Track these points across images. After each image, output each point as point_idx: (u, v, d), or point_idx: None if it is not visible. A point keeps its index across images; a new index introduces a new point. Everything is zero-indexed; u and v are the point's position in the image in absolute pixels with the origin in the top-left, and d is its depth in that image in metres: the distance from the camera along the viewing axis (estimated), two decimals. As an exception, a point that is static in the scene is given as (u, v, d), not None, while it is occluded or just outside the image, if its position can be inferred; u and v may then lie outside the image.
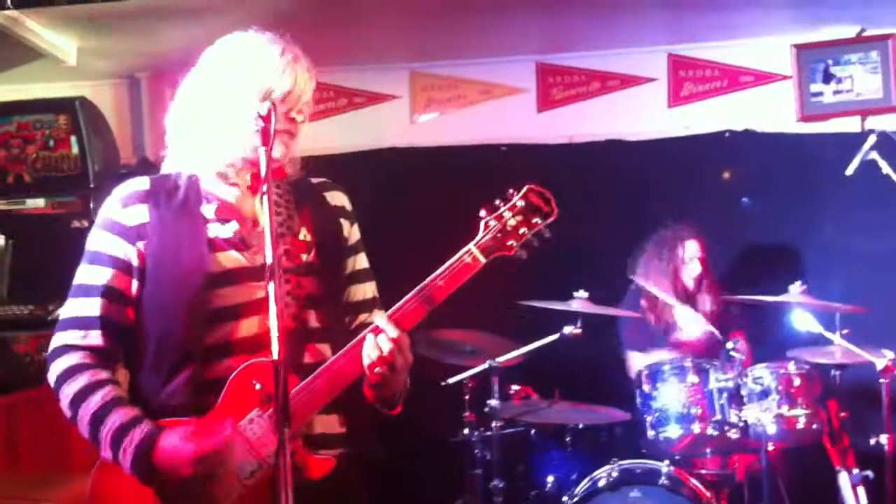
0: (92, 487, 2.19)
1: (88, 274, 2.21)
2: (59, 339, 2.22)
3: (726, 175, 5.36)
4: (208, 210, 2.23)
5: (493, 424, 4.24)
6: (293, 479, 1.96)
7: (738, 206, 5.26)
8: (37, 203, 5.09)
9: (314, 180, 2.42)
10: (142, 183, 2.27)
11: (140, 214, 2.22)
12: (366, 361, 2.10)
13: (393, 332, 2.10)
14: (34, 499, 3.84)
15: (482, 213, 2.19)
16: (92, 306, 2.19)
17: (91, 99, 5.26)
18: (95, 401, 2.13)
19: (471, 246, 2.17)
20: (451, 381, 4.37)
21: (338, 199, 2.42)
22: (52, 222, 5.04)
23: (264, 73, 2.18)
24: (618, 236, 5.18)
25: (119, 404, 2.14)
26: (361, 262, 2.43)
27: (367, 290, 2.42)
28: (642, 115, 5.51)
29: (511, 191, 2.20)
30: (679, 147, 5.37)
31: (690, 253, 4.76)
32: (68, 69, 5.24)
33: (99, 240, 2.23)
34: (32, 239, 5.06)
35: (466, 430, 4.40)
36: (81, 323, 2.20)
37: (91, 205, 4.98)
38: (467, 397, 4.41)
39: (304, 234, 2.28)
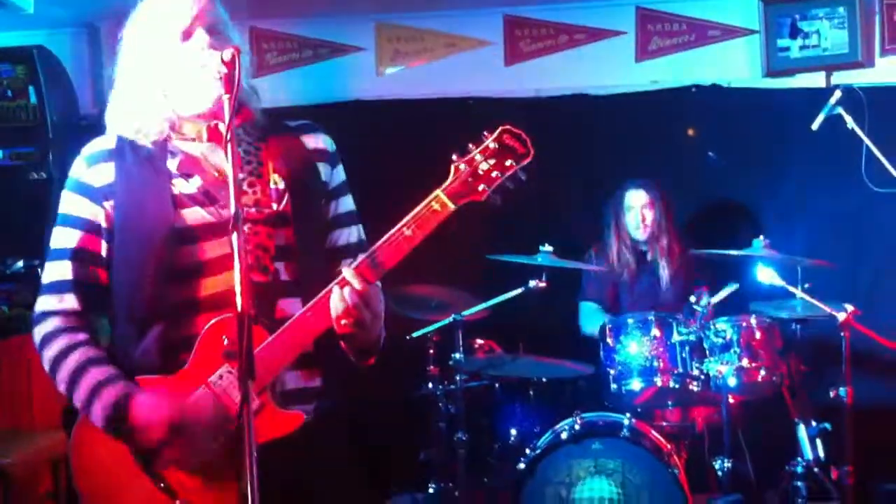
0: (73, 444, 2.21)
1: (59, 237, 2.21)
2: (39, 304, 2.23)
3: (691, 131, 5.34)
4: (173, 165, 2.20)
5: (458, 378, 4.26)
6: (262, 435, 2.00)
7: (704, 161, 5.26)
8: (-6, 154, 5.03)
9: (292, 123, 2.36)
10: (108, 141, 2.24)
11: (106, 174, 2.20)
12: (333, 314, 2.06)
13: (358, 284, 2.04)
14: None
15: (453, 157, 2.10)
16: (64, 270, 2.19)
17: (49, 48, 5.15)
18: (71, 362, 2.15)
19: (438, 192, 2.08)
20: (416, 335, 4.37)
21: (316, 141, 2.34)
22: (9, 174, 4.97)
23: (170, 12, 2.15)
24: (584, 190, 5.19)
25: (94, 364, 2.15)
26: (345, 204, 2.36)
27: (352, 233, 2.35)
28: (610, 68, 5.48)
29: (485, 133, 2.10)
30: (646, 101, 5.35)
31: (632, 202, 4.76)
32: (25, 17, 5.11)
33: (67, 202, 2.22)
34: (-11, 191, 5.00)
35: (430, 384, 4.42)
36: (56, 287, 2.20)
37: (50, 156, 4.91)
38: (431, 351, 4.43)
39: (274, 182, 2.22)
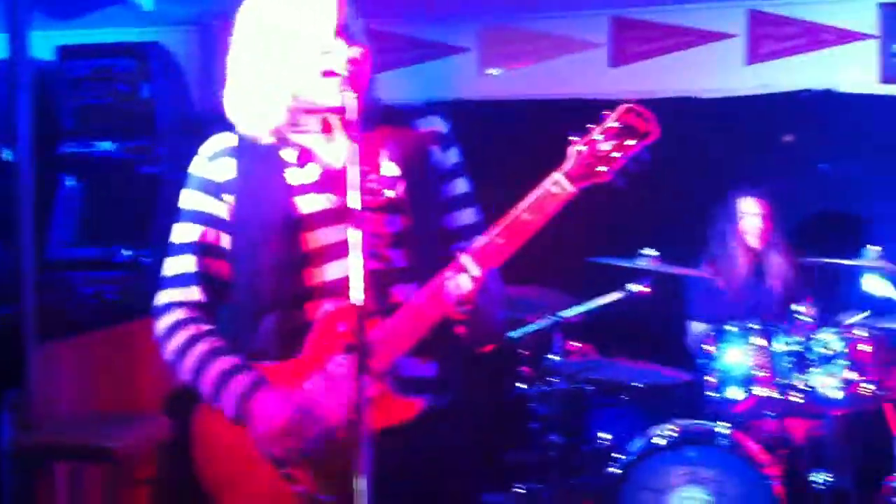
0: (196, 429, 2.25)
1: (182, 232, 2.26)
2: (162, 296, 2.27)
3: (790, 137, 5.21)
4: (290, 156, 2.22)
5: (552, 380, 4.23)
6: (379, 423, 1.97)
7: (815, 167, 5.12)
8: (107, 147, 5.19)
9: (405, 106, 2.32)
10: (227, 138, 2.27)
11: (227, 169, 2.24)
12: (449, 301, 2.04)
13: (475, 270, 2.01)
14: (103, 439, 3.93)
15: (572, 137, 2.02)
16: (187, 264, 2.24)
17: (164, 45, 5.31)
18: (197, 352, 2.19)
19: (557, 174, 2.01)
20: (513, 334, 4.35)
21: (429, 123, 2.28)
22: (121, 167, 5.13)
23: (294, 9, 2.14)
24: (689, 195, 5.10)
25: (219, 353, 2.19)
26: (459, 186, 2.30)
27: (467, 215, 2.30)
28: (719, 71, 5.38)
29: (605, 111, 2.02)
30: (756, 105, 5.24)
31: (747, 208, 4.66)
32: (142, 14, 5.28)
33: (189, 198, 2.27)
34: (102, 182, 5.17)
35: (524, 385, 4.40)
36: (180, 280, 2.25)
37: (161, 150, 5.06)
38: (525, 352, 4.40)
39: (388, 170, 2.20)
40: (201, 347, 2.19)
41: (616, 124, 2.01)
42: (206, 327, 2.22)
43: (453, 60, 5.61)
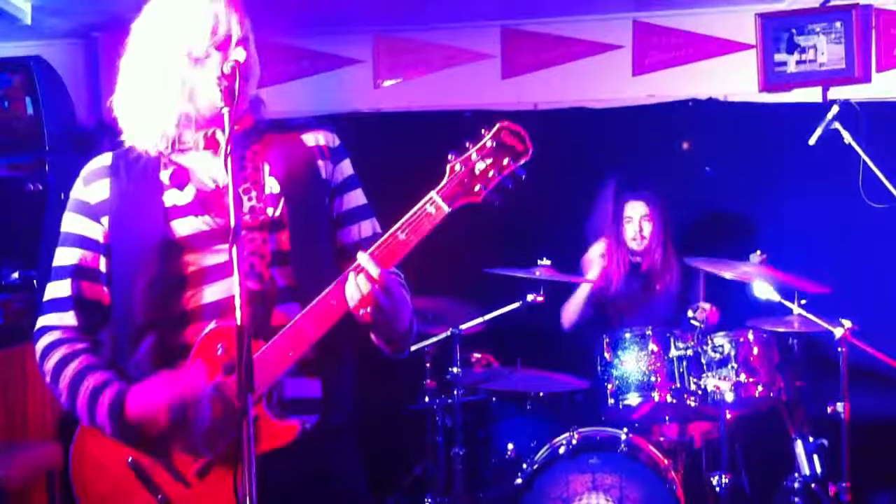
0: (73, 456, 2.20)
1: (60, 256, 2.22)
2: (40, 321, 2.24)
3: (686, 145, 5.35)
4: (165, 176, 2.18)
5: (455, 392, 4.25)
6: (258, 446, 1.96)
7: (701, 175, 5.26)
8: (-8, 165, 5.00)
9: (294, 122, 2.28)
10: (104, 159, 2.24)
11: (102, 190, 2.20)
12: (350, 303, 2.00)
13: (374, 270, 1.97)
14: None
15: (449, 156, 2.04)
16: (63, 288, 2.20)
17: (46, 59, 5.14)
18: (70, 371, 2.14)
19: (432, 193, 2.02)
20: (413, 348, 4.34)
21: (316, 138, 2.25)
22: (6, 185, 4.95)
23: (181, 23, 2.11)
24: (581, 204, 5.18)
25: (92, 370, 2.13)
26: (354, 199, 2.27)
27: (365, 227, 2.27)
28: (607, 82, 5.48)
29: (483, 130, 2.04)
30: (643, 115, 5.36)
31: (631, 213, 4.78)
32: (23, 28, 5.12)
33: (67, 221, 2.23)
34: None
35: (427, 398, 4.41)
36: (56, 305, 2.21)
37: (46, 167, 4.89)
38: (428, 364, 4.41)
39: (270, 187, 2.16)
40: (74, 366, 2.14)
41: (492, 143, 2.03)
42: (80, 346, 2.17)
43: (348, 72, 5.58)
